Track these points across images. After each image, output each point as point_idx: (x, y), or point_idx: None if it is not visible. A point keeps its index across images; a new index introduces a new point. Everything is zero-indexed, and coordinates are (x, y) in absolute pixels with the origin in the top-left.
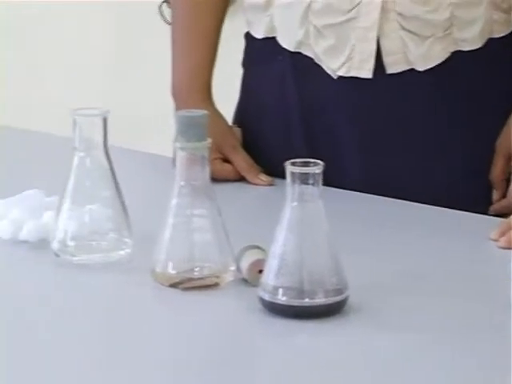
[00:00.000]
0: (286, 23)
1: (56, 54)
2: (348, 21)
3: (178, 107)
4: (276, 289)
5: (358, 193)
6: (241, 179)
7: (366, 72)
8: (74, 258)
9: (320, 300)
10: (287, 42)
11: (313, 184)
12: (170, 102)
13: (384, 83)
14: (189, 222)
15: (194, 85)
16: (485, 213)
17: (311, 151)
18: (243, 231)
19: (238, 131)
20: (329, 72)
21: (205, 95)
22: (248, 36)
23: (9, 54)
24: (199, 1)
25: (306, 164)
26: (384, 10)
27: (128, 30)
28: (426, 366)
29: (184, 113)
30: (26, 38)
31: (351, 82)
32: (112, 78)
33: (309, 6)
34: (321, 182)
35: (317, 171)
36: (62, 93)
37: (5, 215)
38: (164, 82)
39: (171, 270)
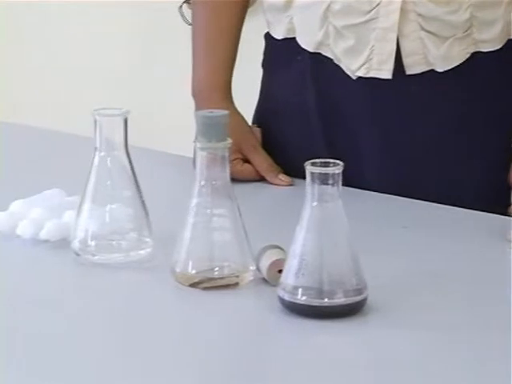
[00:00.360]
0: (305, 24)
1: (78, 55)
2: (368, 21)
3: (199, 107)
4: (296, 289)
5: (378, 193)
6: (261, 179)
7: (386, 73)
8: (95, 258)
9: (340, 300)
10: (307, 43)
11: (332, 184)
12: (190, 102)
13: (403, 84)
14: (209, 221)
15: (214, 84)
16: (504, 213)
17: (331, 151)
18: (263, 231)
19: (257, 131)
20: (348, 73)
21: (225, 95)
22: (268, 36)
23: (31, 53)
24: (219, 1)
25: (325, 164)
26: (404, 10)
27: (148, 31)
28: (447, 365)
29: (204, 113)
30: (49, 37)
31: (370, 83)
32: (132, 78)
33: (328, 6)
34: (340, 182)
35: (336, 171)
36: (83, 93)
37: (26, 215)
38: (184, 82)
39: (191, 270)
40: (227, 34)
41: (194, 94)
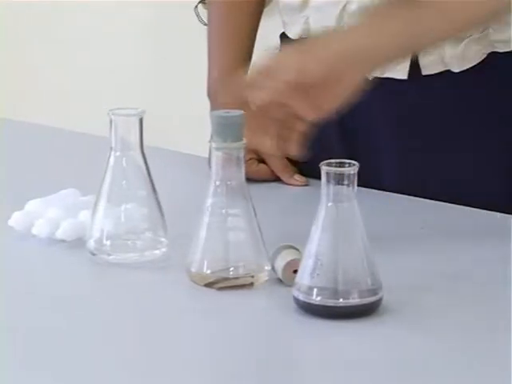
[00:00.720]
0: (321, 24)
1: (92, 54)
2: None
3: (214, 107)
4: (311, 289)
5: (394, 194)
6: (276, 179)
7: (401, 73)
8: (110, 257)
9: (355, 300)
10: None
11: (348, 185)
12: (205, 102)
13: (419, 84)
14: (224, 221)
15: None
16: None
17: (347, 151)
18: (278, 231)
19: None
20: None
21: None
22: (283, 37)
23: (45, 53)
24: (235, 1)
25: (341, 164)
26: None
27: (163, 31)
28: (461, 367)
29: (220, 113)
30: (62, 37)
31: (386, 83)
32: (148, 78)
33: (344, 6)
34: (356, 182)
35: (352, 172)
36: (99, 93)
37: (41, 214)
38: (199, 82)
39: (206, 270)
40: (242, 34)
41: (209, 94)
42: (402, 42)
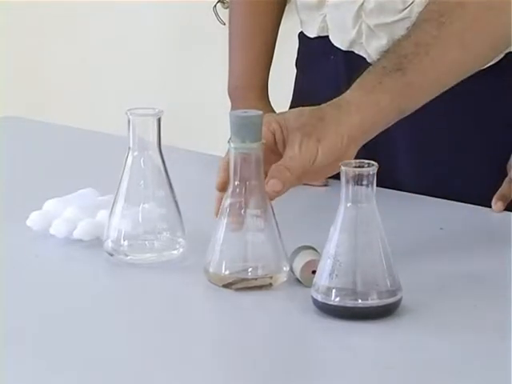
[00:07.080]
0: (338, 22)
1: (113, 54)
2: (401, 20)
3: (234, 106)
4: (329, 290)
5: (413, 194)
6: None
7: None
8: (127, 258)
9: (373, 301)
10: (339, 42)
11: (367, 185)
12: (224, 102)
13: None
14: (242, 222)
15: (250, 83)
16: None
17: (365, 151)
18: (297, 232)
19: None
20: None
21: (261, 93)
22: (301, 35)
23: (65, 52)
24: (259, 0)
25: (360, 165)
26: None
27: (183, 30)
28: (482, 368)
29: (238, 113)
30: (83, 36)
31: None
32: (167, 78)
33: (362, 5)
34: (375, 182)
35: (371, 172)
36: (118, 92)
37: (59, 214)
38: (219, 82)
39: (224, 271)
40: (265, 34)
41: (230, 93)
42: (391, 114)
